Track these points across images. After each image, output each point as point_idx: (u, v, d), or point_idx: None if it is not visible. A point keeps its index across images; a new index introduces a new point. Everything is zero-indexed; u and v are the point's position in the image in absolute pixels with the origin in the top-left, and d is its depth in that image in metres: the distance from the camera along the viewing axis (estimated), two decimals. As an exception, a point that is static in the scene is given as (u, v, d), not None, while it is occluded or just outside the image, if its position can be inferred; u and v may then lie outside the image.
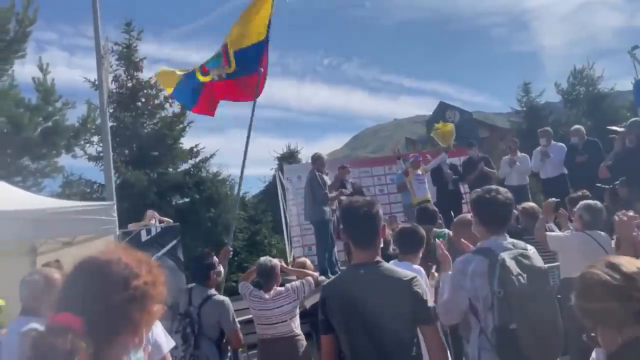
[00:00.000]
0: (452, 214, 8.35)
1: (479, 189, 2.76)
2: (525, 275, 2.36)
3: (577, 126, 8.89)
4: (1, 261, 5.27)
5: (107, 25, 6.65)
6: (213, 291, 4.19)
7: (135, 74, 15.05)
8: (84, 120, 13.19)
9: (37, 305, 2.98)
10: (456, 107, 38.48)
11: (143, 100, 15.09)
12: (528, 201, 6.76)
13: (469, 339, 2.61)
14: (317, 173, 7.93)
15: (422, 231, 3.94)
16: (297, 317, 4.58)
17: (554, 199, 4.92)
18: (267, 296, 4.47)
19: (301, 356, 4.47)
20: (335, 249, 7.94)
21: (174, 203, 14.66)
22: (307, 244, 10.11)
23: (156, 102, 15.19)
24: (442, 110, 36.36)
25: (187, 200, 14.70)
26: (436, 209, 5.58)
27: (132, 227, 7.46)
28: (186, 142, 15.56)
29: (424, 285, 2.46)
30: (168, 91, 7.33)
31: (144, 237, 7.26)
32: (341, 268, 7.56)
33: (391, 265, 2.54)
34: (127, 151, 14.58)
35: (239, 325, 4.21)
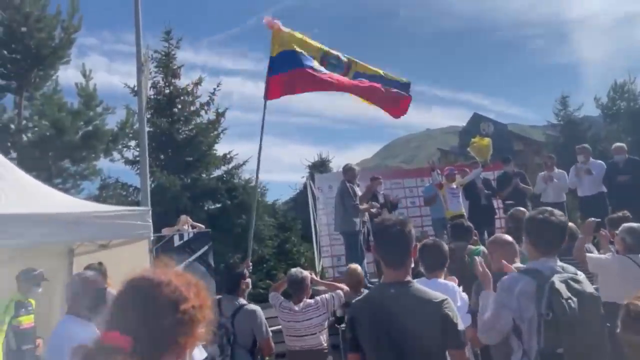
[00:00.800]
0: (485, 229, 8.21)
1: (533, 210, 2.75)
2: (575, 300, 2.30)
3: (619, 144, 8.61)
4: (40, 261, 5.45)
5: (147, 32, 6.83)
6: (243, 300, 4.22)
7: (173, 80, 15.39)
8: (122, 125, 13.57)
9: (77, 305, 3.12)
10: (490, 119, 37.93)
11: (179, 106, 15.39)
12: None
13: None
14: (348, 184, 7.92)
15: (445, 246, 3.85)
16: (326, 330, 4.57)
17: (594, 218, 4.75)
18: (296, 308, 4.48)
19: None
20: (365, 261, 7.89)
21: (206, 208, 14.85)
22: (336, 254, 10.08)
23: (192, 108, 15.47)
24: (476, 122, 35.91)
25: (219, 206, 14.88)
26: (471, 225, 5.44)
27: (165, 231, 7.60)
28: (220, 149, 15.78)
29: (455, 308, 2.41)
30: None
31: (176, 242, 7.40)
32: (371, 280, 7.51)
33: (422, 286, 2.50)
34: (162, 156, 14.88)
35: (270, 334, 4.24)
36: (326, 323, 4.58)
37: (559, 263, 2.54)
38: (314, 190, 11.17)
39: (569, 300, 2.29)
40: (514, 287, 2.47)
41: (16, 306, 5.02)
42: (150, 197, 6.94)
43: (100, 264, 4.83)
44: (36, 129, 12.76)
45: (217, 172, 15.52)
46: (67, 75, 14.07)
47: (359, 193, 8.12)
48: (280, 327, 4.72)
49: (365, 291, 4.08)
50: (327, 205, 10.43)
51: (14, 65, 12.49)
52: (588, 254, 4.41)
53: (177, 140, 14.66)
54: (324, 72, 6.93)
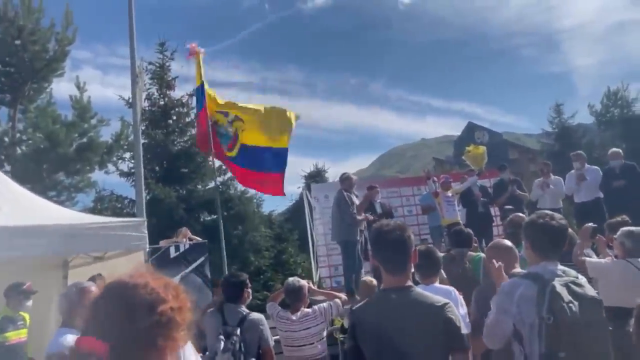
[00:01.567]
0: (482, 237, 8.18)
1: (533, 214, 2.73)
2: (577, 304, 2.28)
3: (615, 149, 8.63)
4: (34, 274, 5.38)
5: (140, 44, 6.85)
6: (246, 309, 4.17)
7: (167, 92, 15.39)
8: (117, 137, 13.54)
9: (73, 317, 3.07)
10: (485, 128, 38.09)
11: (174, 118, 15.39)
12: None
13: None
14: (345, 193, 7.89)
15: (437, 252, 3.85)
16: (324, 340, 4.51)
17: (591, 224, 4.72)
18: (294, 317, 4.42)
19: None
20: (363, 270, 7.84)
21: (202, 220, 14.79)
22: (334, 264, 10.03)
23: (187, 120, 15.47)
24: (471, 131, 36.03)
25: (214, 217, 14.82)
26: (471, 232, 5.44)
27: (163, 243, 7.53)
28: (215, 160, 15.74)
29: (456, 311, 2.39)
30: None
31: (172, 253, 7.33)
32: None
33: (423, 291, 2.48)
34: (157, 168, 14.84)
35: (273, 343, 4.18)
36: (324, 332, 4.53)
37: (560, 267, 2.52)
38: (310, 200, 11.14)
39: (570, 304, 2.27)
40: (515, 291, 2.45)
41: (2, 322, 4.90)
42: (146, 208, 6.89)
43: (100, 275, 4.76)
44: (30, 141, 12.72)
45: (212, 184, 15.48)
46: (61, 88, 14.07)
47: (357, 202, 8.09)
48: (278, 337, 4.66)
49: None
50: (324, 215, 10.40)
51: (7, 78, 12.47)
52: (587, 259, 4.35)
53: (172, 151, 14.63)
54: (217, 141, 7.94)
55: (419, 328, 2.28)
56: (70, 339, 2.72)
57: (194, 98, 8.13)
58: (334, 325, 6.82)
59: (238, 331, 3.92)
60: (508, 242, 3.45)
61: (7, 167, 11.86)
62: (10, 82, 12.49)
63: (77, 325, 2.99)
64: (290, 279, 4.73)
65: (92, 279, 4.47)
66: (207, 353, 4.05)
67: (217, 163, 15.35)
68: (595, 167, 8.68)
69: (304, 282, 4.63)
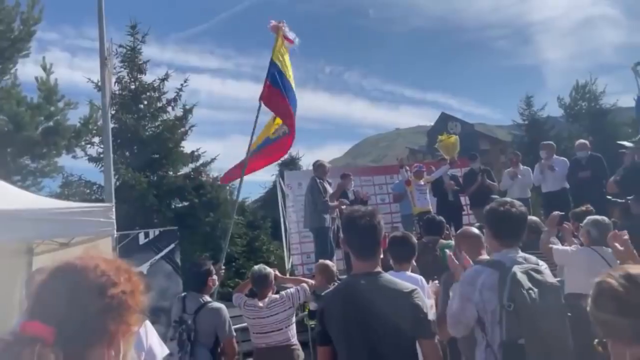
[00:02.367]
0: (452, 225, 8.30)
1: (493, 202, 2.74)
2: (536, 290, 2.31)
3: (582, 141, 8.85)
4: (-3, 261, 5.22)
5: (110, 27, 6.64)
6: (208, 298, 4.13)
7: (138, 76, 15.05)
8: (85, 121, 13.16)
9: None
10: (458, 119, 38.56)
11: (146, 102, 15.07)
12: (529, 215, 6.71)
13: (469, 355, 2.54)
14: (318, 180, 7.89)
15: (414, 239, 3.90)
16: (293, 325, 4.52)
17: (558, 212, 4.86)
18: (261, 304, 4.41)
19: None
20: (335, 258, 7.87)
21: (173, 207, 14.60)
22: (306, 251, 10.05)
23: (159, 105, 15.18)
24: (444, 121, 36.44)
25: (186, 204, 14.65)
26: (443, 220, 5.50)
27: None
28: (187, 146, 15.52)
29: (424, 298, 2.42)
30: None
31: (141, 240, 7.21)
32: (340, 277, 7.49)
33: (391, 277, 2.50)
34: (127, 153, 14.54)
35: (234, 334, 4.15)
36: (293, 318, 4.53)
37: (521, 254, 2.55)
38: (283, 188, 11.11)
39: (530, 291, 2.29)
40: (477, 279, 2.47)
41: None
42: (115, 194, 6.73)
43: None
44: (-7, 124, 12.25)
45: (184, 170, 15.27)
46: (27, 70, 13.54)
47: (329, 190, 8.10)
48: (246, 324, 4.64)
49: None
50: (297, 203, 10.39)
51: (-31, 57, 11.97)
52: (554, 247, 4.50)
53: (143, 137, 14.35)
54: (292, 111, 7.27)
55: (386, 314, 2.31)
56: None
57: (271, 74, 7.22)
58: (305, 312, 6.85)
59: (191, 320, 3.89)
60: (475, 230, 3.49)
61: (-31, 150, 11.44)
62: (-28, 62, 12.01)
63: None
64: (257, 266, 4.72)
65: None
66: None
67: (190, 149, 15.32)
68: (563, 158, 8.89)
69: (270, 269, 4.62)
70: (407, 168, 9.49)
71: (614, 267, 1.58)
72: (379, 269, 2.45)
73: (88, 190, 13.93)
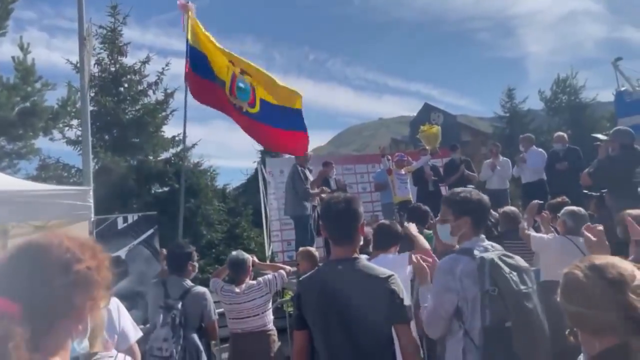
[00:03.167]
0: (432, 215, 8.38)
1: (459, 189, 2.72)
2: (515, 274, 2.33)
3: (560, 133, 9.00)
4: (-30, 243, 5.11)
5: (90, 7, 6.49)
6: (190, 282, 4.11)
7: (119, 58, 14.77)
8: (63, 103, 12.90)
9: None
10: (441, 110, 38.72)
11: (126, 85, 14.82)
12: (507, 205, 6.81)
13: (445, 343, 2.53)
14: (299, 168, 7.88)
15: (398, 227, 3.96)
16: (270, 311, 4.53)
17: (537, 201, 5.05)
18: (238, 290, 4.41)
19: (273, 351, 4.43)
20: (315, 245, 7.90)
21: (152, 192, 14.45)
22: (287, 239, 10.06)
23: (139, 88, 14.94)
24: (427, 112, 36.55)
25: (166, 189, 14.51)
26: (428, 209, 5.40)
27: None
28: (168, 131, 15.34)
29: (401, 283, 2.43)
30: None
31: (120, 224, 7.12)
32: (319, 264, 7.52)
33: (368, 263, 2.52)
34: (107, 136, 14.32)
35: (217, 317, 4.16)
36: (270, 304, 4.54)
37: (487, 241, 2.55)
38: (265, 175, 11.07)
39: (511, 274, 2.32)
40: (456, 268, 2.43)
41: None
42: (94, 178, 6.63)
43: None
44: (-32, 104, 11.93)
45: (165, 155, 15.10)
46: (2, 49, 13.21)
47: (311, 177, 8.09)
48: (222, 310, 4.64)
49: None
50: (278, 190, 10.37)
51: (-57, 35, 11.61)
52: (532, 234, 4.74)
53: (123, 120, 14.13)
54: (231, 102, 7.12)
55: (362, 299, 2.32)
56: None
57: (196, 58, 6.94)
58: (284, 298, 6.87)
59: (179, 305, 3.88)
60: None
61: (-58, 131, 11.14)
62: (-54, 40, 11.65)
63: None
64: (234, 252, 4.71)
65: None
66: (147, 325, 3.99)
67: (171, 134, 15.13)
68: (540, 149, 9.02)
69: (247, 255, 4.62)
70: (389, 157, 9.53)
71: (580, 258, 1.60)
72: (356, 255, 2.46)
73: (66, 174, 13.68)
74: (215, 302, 4.67)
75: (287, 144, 7.49)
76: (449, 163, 9.86)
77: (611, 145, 5.87)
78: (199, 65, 7.02)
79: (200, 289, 4.08)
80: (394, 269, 3.04)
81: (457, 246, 2.63)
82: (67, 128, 13.48)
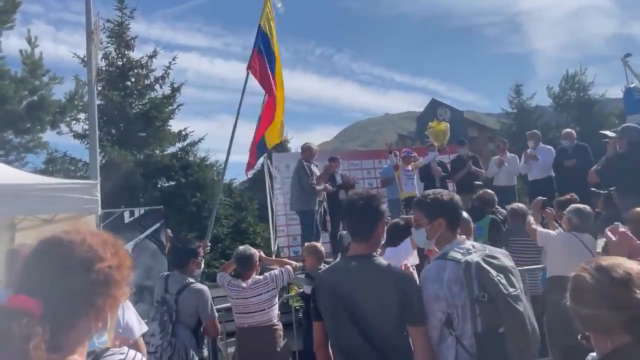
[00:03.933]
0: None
1: (428, 192, 2.63)
2: (502, 276, 2.26)
3: (568, 130, 8.91)
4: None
5: (98, 1, 6.47)
6: (191, 279, 4.11)
7: (126, 52, 14.80)
8: (71, 97, 12.94)
9: None
10: (448, 105, 38.57)
11: (133, 79, 14.85)
12: (515, 202, 6.77)
13: (436, 350, 2.46)
14: (305, 163, 7.86)
15: (410, 222, 3.94)
16: (276, 306, 4.53)
17: (541, 197, 5.13)
18: (244, 285, 4.41)
19: (279, 346, 4.43)
20: (321, 241, 7.88)
21: (159, 186, 14.50)
22: (293, 233, 10.05)
23: (146, 82, 14.97)
24: (434, 108, 36.41)
25: (172, 183, 14.56)
26: None
27: None
28: (175, 125, 15.38)
29: (417, 285, 2.39)
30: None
31: (126, 218, 7.14)
32: (326, 260, 7.51)
33: (384, 261, 2.49)
34: (114, 130, 14.37)
35: (217, 314, 4.15)
36: (276, 299, 4.54)
37: (468, 242, 2.48)
38: (271, 170, 11.06)
39: (499, 277, 2.24)
40: (442, 275, 2.33)
41: None
42: (101, 172, 6.64)
43: None
44: (-24, 97, 11.98)
45: (171, 149, 15.14)
46: (10, 43, 13.21)
47: (317, 172, 8.07)
48: (229, 305, 4.64)
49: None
50: (284, 185, 10.36)
51: (-49, 28, 11.66)
52: (538, 229, 4.79)
53: (130, 114, 14.18)
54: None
55: (372, 295, 2.32)
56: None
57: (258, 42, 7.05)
58: (290, 293, 6.87)
59: (172, 300, 3.88)
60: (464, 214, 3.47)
61: (-49, 124, 11.20)
62: (-46, 33, 11.70)
63: None
64: (241, 247, 4.70)
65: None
66: None
67: (177, 128, 15.14)
68: (549, 146, 8.95)
69: (254, 250, 4.61)
70: (396, 153, 9.50)
71: (586, 260, 1.59)
72: (372, 251, 2.46)
73: (73, 167, 13.77)
74: (221, 296, 4.66)
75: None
76: (457, 159, 9.80)
77: (619, 143, 5.80)
78: (266, 51, 7.10)
79: (199, 286, 4.07)
80: (398, 258, 3.03)
81: (436, 250, 2.56)
82: (74, 122, 13.57)
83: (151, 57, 15.06)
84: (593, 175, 5.92)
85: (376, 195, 2.54)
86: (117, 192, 11.40)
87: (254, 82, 7.12)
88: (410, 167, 9.09)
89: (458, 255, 2.35)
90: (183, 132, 15.13)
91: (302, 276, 5.44)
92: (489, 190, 6.45)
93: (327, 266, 2.73)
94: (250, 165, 7.95)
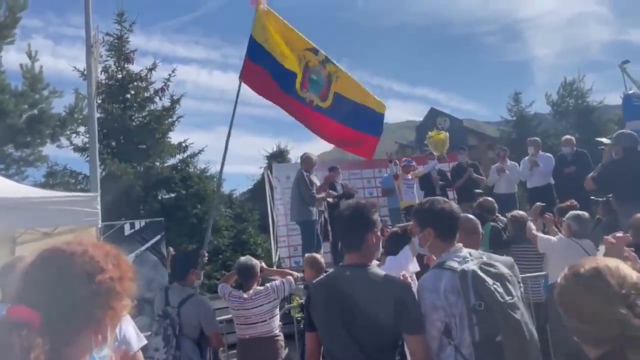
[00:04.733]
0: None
1: (425, 200, 2.62)
2: (499, 284, 2.24)
3: (568, 136, 8.93)
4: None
5: (96, 15, 6.51)
6: (192, 290, 4.10)
7: (125, 65, 14.87)
8: (71, 110, 12.98)
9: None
10: (447, 114, 38.64)
11: (132, 92, 14.91)
12: (516, 209, 6.77)
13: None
14: (305, 173, 7.87)
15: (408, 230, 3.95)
16: (277, 317, 4.52)
17: (540, 203, 5.25)
18: (246, 295, 4.40)
19: (280, 357, 4.41)
20: (322, 251, 7.87)
21: (159, 198, 14.49)
22: (294, 244, 10.04)
23: (146, 94, 15.02)
24: (433, 117, 36.47)
25: (173, 195, 14.55)
26: None
27: None
28: (174, 137, 15.40)
29: (414, 293, 2.37)
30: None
31: (127, 231, 7.16)
32: (327, 270, 7.49)
33: (379, 270, 2.48)
34: (114, 143, 14.40)
35: (219, 326, 4.13)
36: (277, 310, 4.53)
37: (464, 250, 2.46)
38: (271, 180, 11.07)
39: (495, 285, 2.22)
40: (439, 284, 2.32)
41: None
42: (101, 185, 6.65)
43: None
44: (-24, 111, 12.02)
45: (171, 161, 15.17)
46: (10, 57, 13.28)
47: (317, 182, 8.08)
48: (230, 316, 4.62)
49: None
50: (285, 195, 10.35)
51: (-48, 43, 11.73)
52: (539, 235, 4.87)
53: (130, 127, 14.22)
54: (299, 98, 6.53)
55: (366, 305, 2.30)
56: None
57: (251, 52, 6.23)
58: (291, 304, 6.84)
59: (175, 313, 3.86)
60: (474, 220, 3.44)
61: (-49, 138, 11.23)
62: (-45, 48, 11.76)
63: None
64: (242, 258, 4.69)
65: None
66: None
67: (177, 140, 15.17)
68: (548, 154, 8.96)
69: (255, 261, 4.60)
70: (397, 162, 9.52)
71: (569, 265, 1.57)
72: (366, 261, 2.44)
73: (73, 180, 13.77)
74: (222, 308, 4.64)
75: (353, 143, 7.07)
76: (456, 167, 9.82)
77: (614, 149, 5.82)
78: (261, 58, 6.45)
79: (200, 297, 4.06)
80: (399, 266, 3.01)
81: (434, 258, 2.54)
82: (74, 135, 13.58)
83: (150, 69, 15.14)
84: (590, 183, 5.94)
85: (365, 205, 2.50)
86: (117, 204, 11.40)
87: (249, 93, 6.77)
88: (410, 176, 9.11)
89: (454, 264, 2.34)
90: (183, 144, 15.15)
91: (302, 287, 5.43)
92: (489, 198, 6.46)
93: (321, 276, 2.71)
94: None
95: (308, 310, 2.53)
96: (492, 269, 2.31)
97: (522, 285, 2.63)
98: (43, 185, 11.97)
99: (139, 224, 7.41)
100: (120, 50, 14.80)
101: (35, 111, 12.37)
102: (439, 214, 2.49)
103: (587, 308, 1.39)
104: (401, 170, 9.11)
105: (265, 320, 4.34)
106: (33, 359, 1.00)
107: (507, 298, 2.22)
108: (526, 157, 8.90)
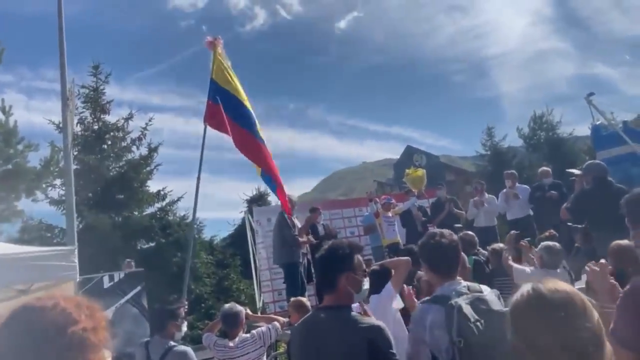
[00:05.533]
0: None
1: (426, 235, 2.67)
2: (482, 321, 2.25)
3: (545, 168, 9.14)
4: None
5: (71, 67, 6.53)
6: (173, 342, 3.99)
7: (102, 116, 14.88)
8: (46, 163, 12.84)
9: None
10: (423, 151, 39.30)
11: (109, 142, 14.88)
12: (496, 242, 6.83)
13: None
14: (285, 215, 7.85)
15: (388, 267, 3.99)
16: None
17: (514, 231, 5.39)
18: (231, 344, 4.30)
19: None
20: (307, 294, 7.77)
21: (139, 247, 14.24)
22: (277, 288, 9.87)
23: (123, 144, 14.99)
24: (410, 154, 37.09)
25: (152, 244, 14.32)
26: None
27: None
28: (153, 185, 15.30)
29: (389, 334, 2.34)
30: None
31: (106, 283, 6.97)
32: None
33: (353, 313, 2.44)
34: (90, 194, 14.21)
35: None
36: (264, 357, 4.42)
37: (464, 283, 2.48)
38: (252, 224, 10.98)
39: (477, 323, 2.23)
40: (425, 318, 2.37)
41: None
42: (78, 237, 6.52)
43: None
44: (-51, 168, 11.82)
45: (150, 210, 15.00)
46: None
47: (298, 224, 8.06)
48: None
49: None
50: (267, 239, 10.25)
51: None
52: (515, 265, 4.86)
53: (107, 177, 14.10)
54: (261, 140, 6.74)
55: (338, 348, 2.28)
56: None
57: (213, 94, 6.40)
58: (277, 351, 6.68)
59: None
60: None
61: None
62: None
63: None
64: (227, 305, 4.61)
65: None
66: None
67: (156, 188, 15.02)
68: (525, 185, 9.13)
69: (240, 307, 4.53)
70: (377, 200, 9.58)
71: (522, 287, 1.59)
72: (340, 303, 2.41)
73: (49, 234, 13.48)
74: (209, 358, 4.53)
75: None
76: (436, 202, 9.92)
77: (585, 179, 6.00)
78: (222, 100, 6.62)
79: (181, 348, 3.96)
80: (384, 306, 3.01)
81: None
82: (50, 188, 13.39)
83: (127, 119, 15.18)
84: (564, 213, 6.09)
85: (341, 246, 2.49)
86: (96, 256, 11.13)
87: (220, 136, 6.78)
88: (390, 214, 9.16)
89: (444, 299, 2.36)
90: (162, 192, 15.05)
91: (289, 332, 5.34)
92: (469, 232, 6.51)
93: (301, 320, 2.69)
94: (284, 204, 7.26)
95: (288, 353, 2.59)
96: (482, 305, 2.31)
97: None
98: (18, 241, 11.66)
99: (118, 276, 7.23)
100: (96, 102, 14.84)
101: (10, 166, 12.20)
102: (433, 248, 2.54)
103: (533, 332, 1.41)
104: (381, 208, 9.16)
105: None
106: None
107: (487, 336, 2.20)
108: (504, 190, 9.05)
